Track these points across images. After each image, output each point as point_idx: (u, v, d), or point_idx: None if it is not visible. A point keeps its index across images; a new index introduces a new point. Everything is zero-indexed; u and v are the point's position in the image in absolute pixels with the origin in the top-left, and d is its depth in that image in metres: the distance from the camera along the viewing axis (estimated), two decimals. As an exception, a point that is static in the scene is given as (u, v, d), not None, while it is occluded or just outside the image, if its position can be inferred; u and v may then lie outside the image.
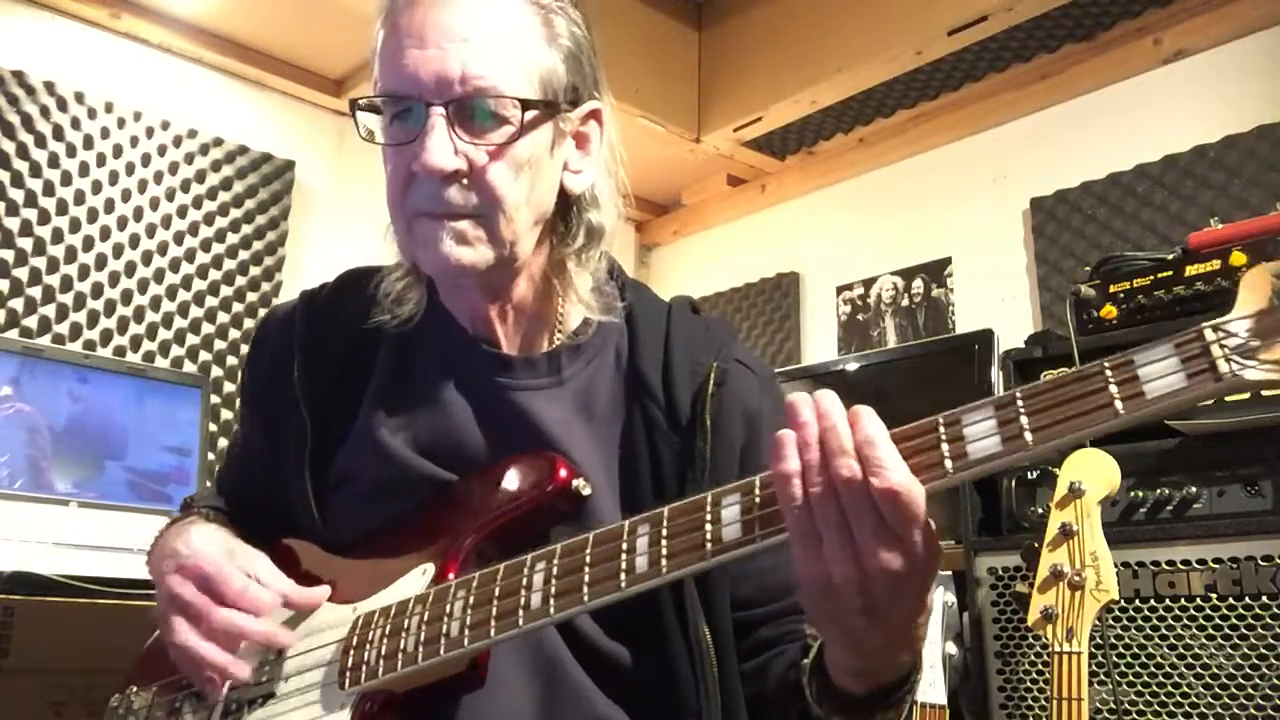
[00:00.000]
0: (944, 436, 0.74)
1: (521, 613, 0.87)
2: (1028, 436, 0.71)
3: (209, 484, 1.34)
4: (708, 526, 0.80)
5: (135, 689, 1.16)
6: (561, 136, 1.05)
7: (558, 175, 1.06)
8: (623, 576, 0.83)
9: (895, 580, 0.74)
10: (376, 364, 1.14)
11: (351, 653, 0.97)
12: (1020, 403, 0.72)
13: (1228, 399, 1.62)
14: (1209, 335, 0.66)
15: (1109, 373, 0.69)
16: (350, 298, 1.16)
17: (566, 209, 1.08)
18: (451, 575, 0.97)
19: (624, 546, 0.84)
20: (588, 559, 0.86)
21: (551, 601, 0.86)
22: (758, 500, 0.79)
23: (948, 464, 0.74)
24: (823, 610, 0.79)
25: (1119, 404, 0.68)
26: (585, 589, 0.85)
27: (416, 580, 0.99)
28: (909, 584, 0.75)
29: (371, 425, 1.09)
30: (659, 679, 1.02)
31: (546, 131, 1.02)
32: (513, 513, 1.00)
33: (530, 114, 0.99)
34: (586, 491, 1.00)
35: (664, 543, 0.82)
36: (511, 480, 1.01)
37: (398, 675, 0.92)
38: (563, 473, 0.99)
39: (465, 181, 0.99)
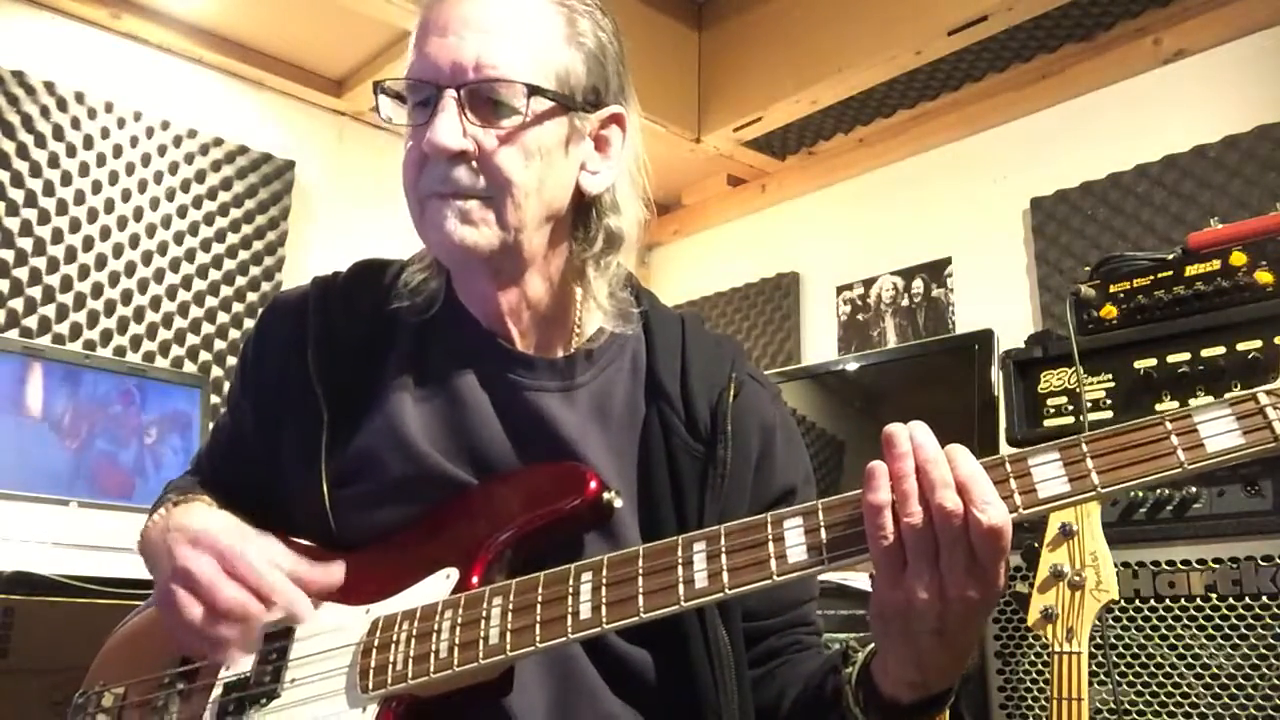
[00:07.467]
0: (1010, 473, 0.78)
1: (570, 620, 0.87)
2: (1095, 479, 0.75)
3: (187, 473, 1.30)
4: (770, 545, 0.82)
5: (102, 685, 1.11)
6: (578, 135, 1.06)
7: (573, 173, 1.06)
8: (681, 589, 0.84)
9: (971, 607, 0.78)
10: (393, 354, 1.12)
11: (374, 654, 0.94)
12: (1085, 446, 0.76)
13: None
14: (1263, 399, 0.74)
15: (1169, 425, 0.75)
16: (365, 287, 1.15)
17: (586, 213, 1.09)
18: (476, 580, 0.95)
19: (680, 560, 0.85)
20: (640, 571, 0.86)
21: (604, 610, 0.86)
22: (822, 523, 0.82)
23: (1016, 499, 0.78)
24: (895, 629, 0.82)
25: (1181, 454, 0.74)
26: (641, 600, 0.85)
27: (440, 584, 0.97)
28: (983, 611, 0.79)
29: (390, 417, 1.07)
30: (677, 683, 1.02)
31: (560, 125, 1.03)
32: (540, 521, 0.98)
33: (540, 103, 1.01)
34: (618, 504, 0.99)
35: (724, 558, 0.84)
36: (539, 488, 1.00)
37: (430, 679, 0.90)
38: (593, 484, 0.98)
39: (474, 164, 1.00)
